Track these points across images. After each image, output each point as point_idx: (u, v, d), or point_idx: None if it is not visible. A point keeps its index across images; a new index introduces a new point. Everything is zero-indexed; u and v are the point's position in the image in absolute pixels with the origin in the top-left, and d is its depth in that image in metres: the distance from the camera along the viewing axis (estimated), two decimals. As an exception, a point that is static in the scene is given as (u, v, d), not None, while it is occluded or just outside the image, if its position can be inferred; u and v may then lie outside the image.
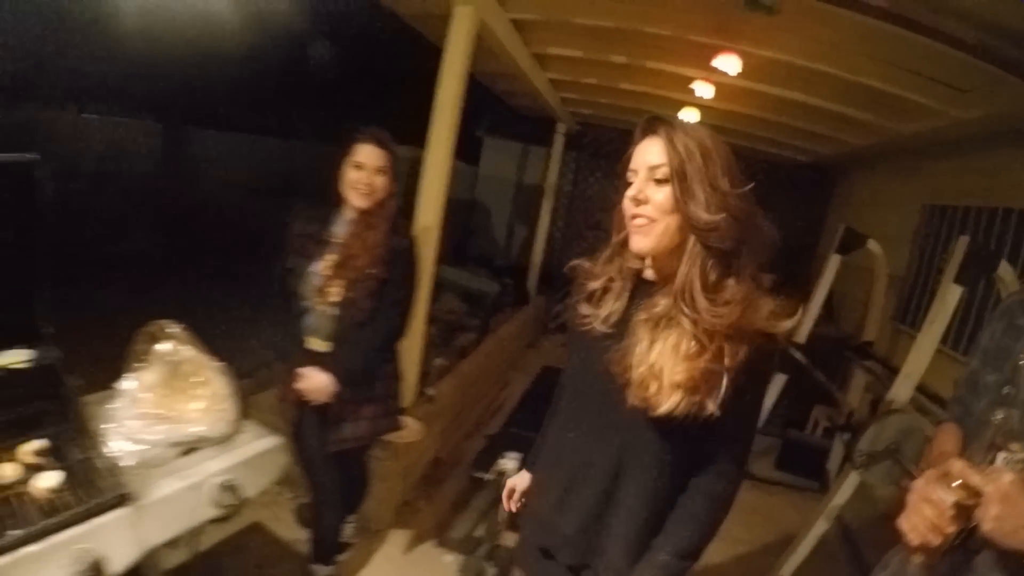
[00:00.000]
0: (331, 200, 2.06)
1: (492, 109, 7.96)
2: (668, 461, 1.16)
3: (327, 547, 2.43)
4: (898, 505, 1.05)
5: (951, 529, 0.95)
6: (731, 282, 1.08)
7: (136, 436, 1.51)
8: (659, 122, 1.12)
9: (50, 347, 1.75)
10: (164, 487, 1.41)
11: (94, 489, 1.35)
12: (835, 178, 6.74)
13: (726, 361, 1.05)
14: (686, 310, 1.07)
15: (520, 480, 1.52)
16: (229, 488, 1.49)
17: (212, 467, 1.51)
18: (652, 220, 1.11)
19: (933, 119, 3.72)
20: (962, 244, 2.69)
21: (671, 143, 1.08)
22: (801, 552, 3.01)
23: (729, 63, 3.28)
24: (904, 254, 4.58)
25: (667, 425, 1.09)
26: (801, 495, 4.03)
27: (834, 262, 3.97)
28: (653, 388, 1.06)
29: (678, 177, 1.08)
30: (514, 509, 1.51)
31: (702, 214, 1.06)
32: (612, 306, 1.21)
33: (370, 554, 2.72)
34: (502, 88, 6.15)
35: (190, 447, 1.58)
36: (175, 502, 1.42)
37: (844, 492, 2.88)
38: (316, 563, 2.42)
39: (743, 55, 3.25)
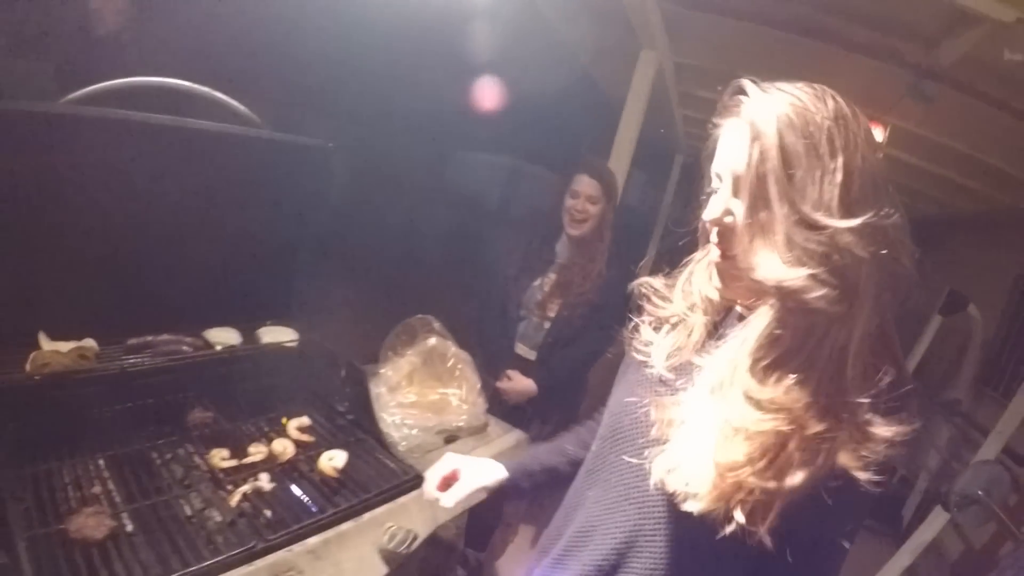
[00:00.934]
0: (555, 223, 2.13)
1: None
2: (686, 568, 0.77)
3: (482, 534, 2.51)
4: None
5: None
6: (791, 370, 0.65)
7: (405, 422, 1.57)
8: (745, 97, 0.69)
9: (312, 328, 1.76)
10: (446, 471, 1.49)
11: (382, 469, 1.40)
12: (928, 238, 6.59)
13: (787, 481, 0.63)
14: (722, 397, 0.69)
15: (476, 469, 1.15)
16: (501, 476, 1.56)
17: (484, 454, 1.58)
18: (739, 258, 0.72)
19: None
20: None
21: (754, 132, 0.67)
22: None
23: (874, 133, 3.31)
24: (992, 320, 4.55)
25: (692, 525, 0.69)
26: (876, 538, 4.01)
27: (935, 323, 3.95)
28: (683, 473, 0.69)
29: (750, 193, 0.67)
30: (438, 499, 1.12)
31: (773, 267, 0.64)
32: (681, 341, 0.83)
33: (505, 544, 2.80)
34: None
35: (451, 435, 1.66)
36: (458, 485, 1.49)
37: (931, 530, 3.03)
38: (469, 547, 2.50)
39: (886, 126, 3.30)
